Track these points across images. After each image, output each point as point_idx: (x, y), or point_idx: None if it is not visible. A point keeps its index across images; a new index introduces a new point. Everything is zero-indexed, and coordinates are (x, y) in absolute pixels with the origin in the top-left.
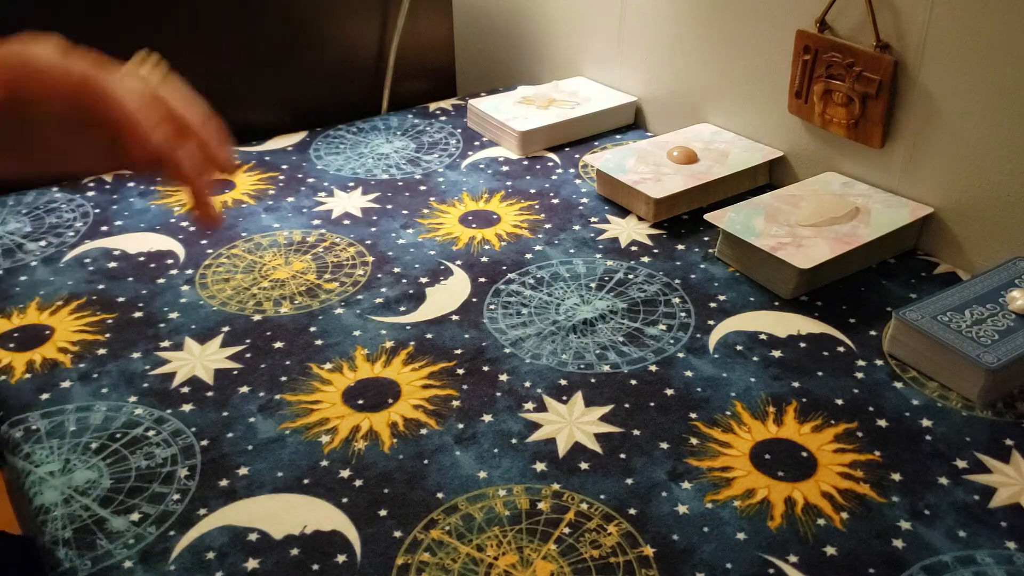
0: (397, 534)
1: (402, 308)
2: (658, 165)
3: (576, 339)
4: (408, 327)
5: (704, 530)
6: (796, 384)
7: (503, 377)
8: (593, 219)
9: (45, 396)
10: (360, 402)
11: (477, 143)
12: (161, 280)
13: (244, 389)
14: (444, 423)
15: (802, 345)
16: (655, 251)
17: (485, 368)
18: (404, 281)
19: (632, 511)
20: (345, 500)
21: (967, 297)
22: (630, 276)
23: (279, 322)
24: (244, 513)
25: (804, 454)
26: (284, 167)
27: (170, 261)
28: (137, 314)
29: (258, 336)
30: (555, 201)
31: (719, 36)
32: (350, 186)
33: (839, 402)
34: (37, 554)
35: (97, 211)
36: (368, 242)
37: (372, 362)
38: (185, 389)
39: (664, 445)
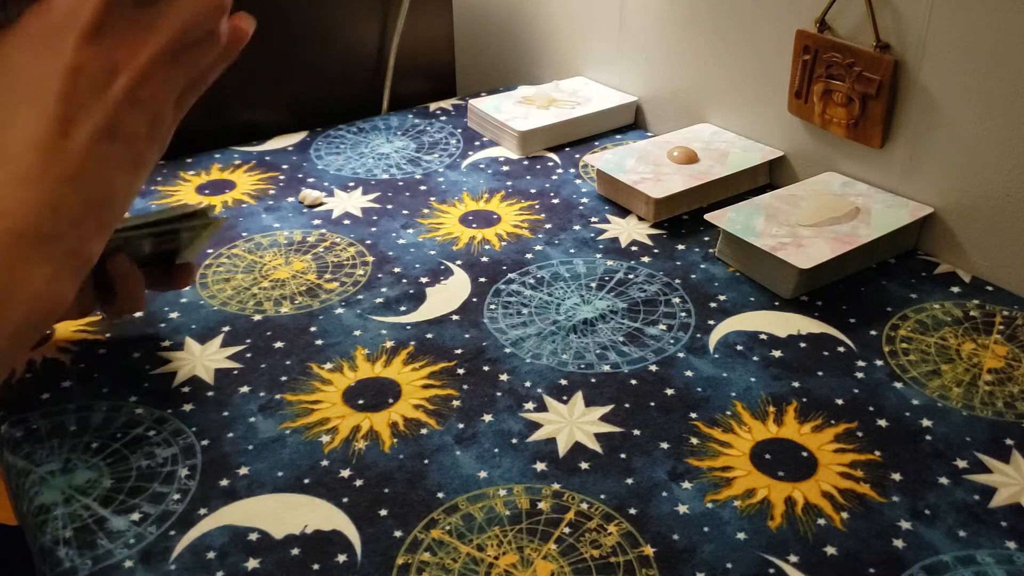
0: (397, 534)
1: (402, 308)
2: (658, 165)
3: (576, 339)
4: (408, 327)
5: (704, 530)
6: (796, 384)
7: (503, 377)
8: (593, 219)
9: (45, 396)
10: (360, 402)
11: (477, 143)
12: None
13: (244, 389)
14: (444, 423)
15: (802, 345)
16: (655, 251)
17: (485, 368)
18: (404, 281)
19: (632, 511)
20: (345, 500)
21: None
22: (630, 276)
23: (279, 322)
24: (244, 513)
25: (804, 454)
26: (284, 167)
27: None
28: (137, 314)
29: (258, 336)
30: (555, 201)
31: (719, 36)
32: (350, 186)
33: (839, 402)
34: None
35: None
36: (368, 242)
37: (372, 362)
38: (185, 389)
39: (664, 445)
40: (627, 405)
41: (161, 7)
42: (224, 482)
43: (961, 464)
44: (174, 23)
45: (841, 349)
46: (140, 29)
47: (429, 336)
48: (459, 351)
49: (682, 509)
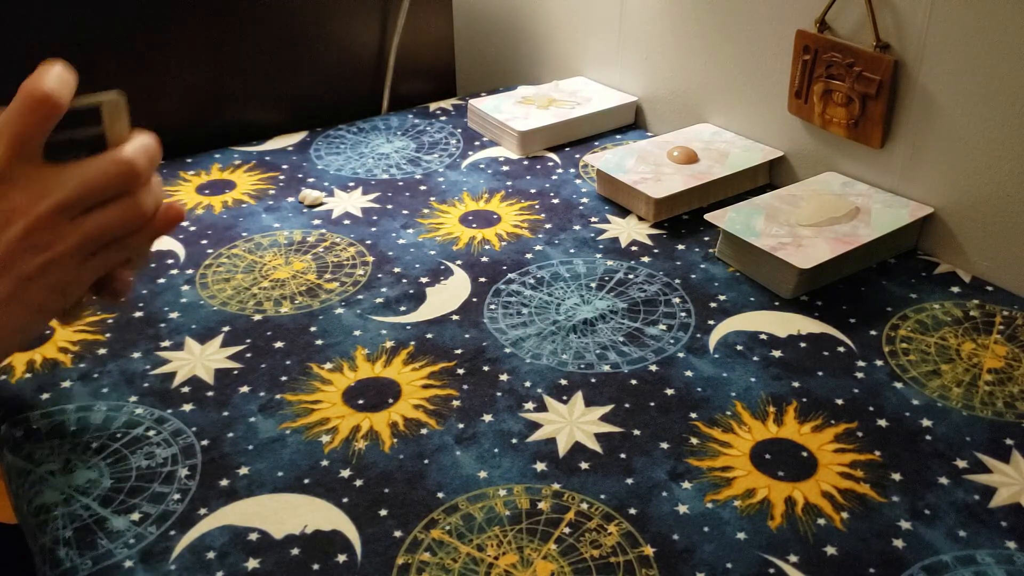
0: (397, 534)
1: (402, 308)
2: (658, 165)
3: (576, 339)
4: (408, 327)
5: (704, 530)
6: (796, 384)
7: (503, 377)
8: (593, 219)
9: (45, 396)
10: (360, 402)
11: (477, 143)
12: (161, 280)
13: (244, 389)
14: (444, 423)
15: (802, 345)
16: (655, 251)
17: (485, 368)
18: (404, 281)
19: (632, 511)
20: (345, 500)
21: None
22: (630, 276)
23: (279, 322)
24: (244, 513)
25: (804, 454)
26: (284, 167)
27: (170, 261)
28: (137, 314)
29: (258, 336)
30: (555, 201)
31: (719, 36)
32: (350, 186)
33: (839, 402)
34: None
35: None
36: (368, 242)
37: (372, 362)
38: (185, 389)
39: (664, 445)
40: (627, 405)
41: (69, 165)
42: (224, 482)
43: (961, 464)
44: (79, 181)
45: (841, 349)
46: (43, 181)
47: (429, 336)
48: (459, 351)
49: (682, 509)
